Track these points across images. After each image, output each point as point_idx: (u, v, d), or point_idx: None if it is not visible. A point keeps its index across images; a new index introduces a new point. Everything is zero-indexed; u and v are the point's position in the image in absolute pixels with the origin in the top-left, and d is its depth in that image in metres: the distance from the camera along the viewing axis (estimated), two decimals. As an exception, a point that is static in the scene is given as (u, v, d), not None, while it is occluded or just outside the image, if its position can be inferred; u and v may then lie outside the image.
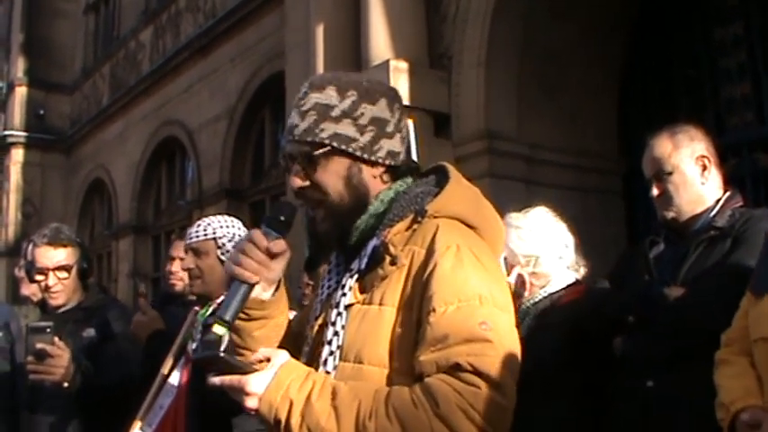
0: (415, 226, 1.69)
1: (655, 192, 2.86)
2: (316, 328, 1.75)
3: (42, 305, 3.59)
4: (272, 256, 1.69)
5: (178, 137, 13.13)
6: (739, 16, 7.06)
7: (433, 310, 1.56)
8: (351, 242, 1.74)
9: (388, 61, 6.82)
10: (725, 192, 2.86)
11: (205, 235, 3.17)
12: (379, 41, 7.03)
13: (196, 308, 3.22)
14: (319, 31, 7.51)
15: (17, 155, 16.95)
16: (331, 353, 1.66)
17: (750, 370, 2.29)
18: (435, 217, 1.69)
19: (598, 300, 2.95)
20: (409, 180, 1.81)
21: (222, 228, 3.20)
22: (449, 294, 1.57)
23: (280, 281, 1.78)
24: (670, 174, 2.82)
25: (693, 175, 2.82)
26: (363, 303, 1.67)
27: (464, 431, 1.47)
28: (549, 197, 7.04)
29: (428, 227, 1.67)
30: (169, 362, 3.01)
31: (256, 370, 1.55)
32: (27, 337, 3.17)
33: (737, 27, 7.05)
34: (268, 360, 1.58)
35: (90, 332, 3.46)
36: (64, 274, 3.48)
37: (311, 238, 1.80)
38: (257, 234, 1.69)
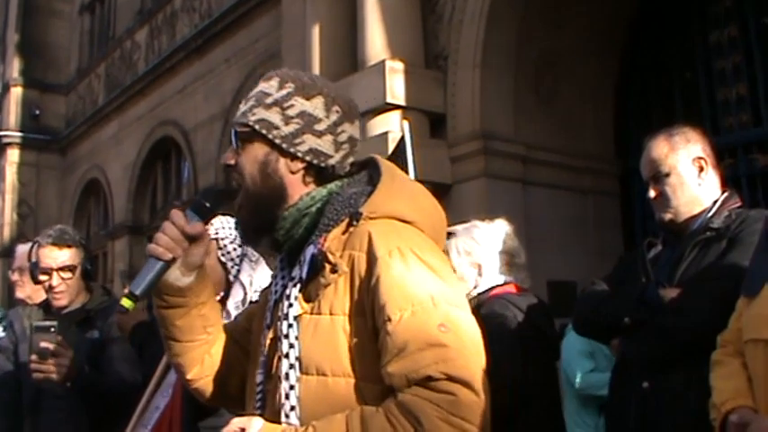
0: (351, 229, 1.66)
1: (652, 194, 2.85)
2: (268, 341, 1.73)
3: (46, 306, 3.59)
4: (190, 238, 1.72)
5: (174, 137, 13.13)
6: (735, 18, 7.08)
7: (389, 320, 1.53)
8: (280, 236, 1.75)
9: (383, 62, 6.81)
10: (723, 193, 2.86)
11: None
12: (375, 42, 7.02)
13: None
14: (315, 32, 7.51)
15: (12, 155, 16.94)
16: (291, 366, 1.62)
17: (742, 371, 2.29)
18: (371, 218, 1.66)
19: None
20: (343, 181, 1.79)
21: (224, 228, 3.19)
22: (401, 300, 1.54)
23: (201, 268, 1.79)
24: (667, 175, 2.81)
25: (690, 177, 2.81)
26: (312, 313, 1.64)
27: None
28: (544, 198, 7.11)
29: (363, 229, 1.64)
30: (164, 361, 3.00)
31: None
32: (31, 335, 3.18)
33: (733, 29, 7.07)
34: (243, 431, 1.56)
35: (93, 334, 3.47)
36: (68, 275, 3.48)
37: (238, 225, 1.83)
38: (176, 213, 1.73)
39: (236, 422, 1.57)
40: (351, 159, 1.81)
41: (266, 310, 1.79)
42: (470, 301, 3.07)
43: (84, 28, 17.70)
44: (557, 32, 7.15)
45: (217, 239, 3.14)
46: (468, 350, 1.53)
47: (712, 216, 2.76)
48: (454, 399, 1.47)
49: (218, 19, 11.71)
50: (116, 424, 3.07)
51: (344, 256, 1.63)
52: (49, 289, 3.47)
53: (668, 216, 2.83)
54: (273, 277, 1.84)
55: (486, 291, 3.13)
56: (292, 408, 1.60)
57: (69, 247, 3.51)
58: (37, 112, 17.15)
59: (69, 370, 3.12)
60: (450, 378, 1.47)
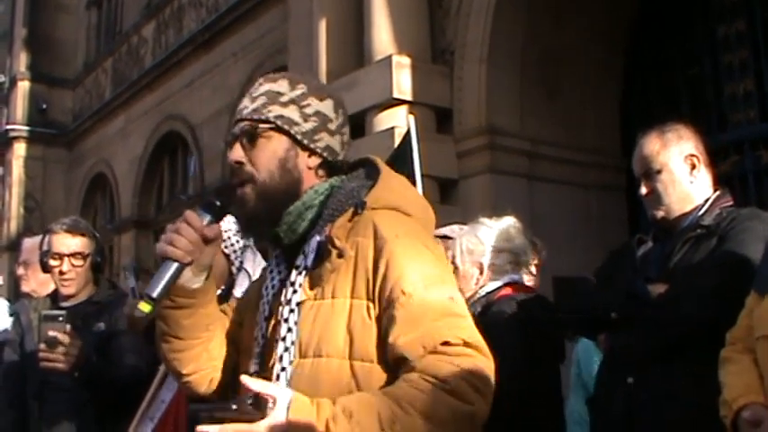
0: (355, 218, 1.73)
1: (643, 190, 2.85)
2: (270, 327, 1.76)
3: (53, 298, 3.61)
4: (206, 240, 1.72)
5: (180, 132, 13.15)
6: (742, 13, 7.06)
7: (403, 293, 1.61)
8: (282, 231, 1.78)
9: (390, 56, 6.82)
10: (715, 191, 2.85)
11: None
12: (382, 36, 7.02)
13: None
14: (322, 26, 7.51)
15: (19, 149, 16.97)
16: (286, 349, 1.68)
17: (753, 367, 2.29)
18: (373, 208, 1.74)
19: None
20: (342, 177, 1.86)
21: (226, 222, 3.20)
22: (414, 276, 1.63)
23: (210, 269, 1.80)
24: (659, 172, 2.80)
25: (682, 174, 2.80)
26: (315, 299, 1.70)
27: (472, 399, 1.54)
28: (550, 193, 7.10)
29: (367, 218, 1.72)
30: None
31: (263, 416, 1.52)
32: (40, 324, 3.20)
33: (740, 23, 7.05)
34: (274, 401, 1.54)
35: (100, 326, 3.48)
36: (79, 262, 3.51)
37: (238, 220, 1.85)
38: (193, 215, 1.71)
39: (269, 391, 1.54)
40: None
41: (263, 303, 1.82)
42: (478, 301, 3.09)
43: (92, 22, 17.71)
44: (562, 27, 7.14)
45: (222, 233, 3.15)
46: (472, 322, 1.66)
47: (703, 214, 2.76)
48: (472, 360, 1.57)
49: (226, 13, 11.72)
50: (122, 417, 3.09)
51: (349, 243, 1.70)
52: (59, 275, 3.50)
53: (660, 213, 2.82)
54: (269, 271, 1.87)
55: (494, 291, 3.13)
56: None
57: (83, 235, 3.55)
58: (44, 106, 17.17)
59: (77, 359, 3.14)
60: (466, 343, 1.58)
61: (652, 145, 2.84)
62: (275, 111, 1.79)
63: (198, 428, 1.52)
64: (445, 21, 7.24)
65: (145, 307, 1.65)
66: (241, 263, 3.13)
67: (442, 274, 1.70)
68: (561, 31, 7.15)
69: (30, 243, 4.27)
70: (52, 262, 3.52)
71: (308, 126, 1.80)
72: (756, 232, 2.59)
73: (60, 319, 3.16)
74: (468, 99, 6.91)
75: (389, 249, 1.65)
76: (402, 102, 6.73)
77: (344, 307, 1.66)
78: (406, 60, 6.85)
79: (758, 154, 6.74)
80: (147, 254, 14.21)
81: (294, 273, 1.74)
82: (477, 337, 1.61)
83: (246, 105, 1.83)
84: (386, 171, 1.85)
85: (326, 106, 1.84)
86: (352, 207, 1.74)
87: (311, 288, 1.71)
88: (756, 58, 6.91)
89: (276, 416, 1.51)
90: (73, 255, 3.50)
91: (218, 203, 1.76)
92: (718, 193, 2.84)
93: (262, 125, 1.78)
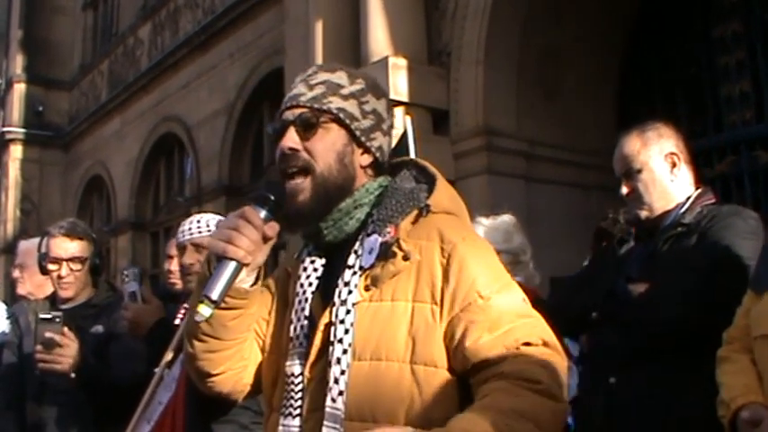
0: (418, 221, 1.70)
1: (624, 190, 2.83)
2: (321, 327, 1.69)
3: (52, 300, 3.60)
4: (266, 238, 1.63)
5: (177, 133, 13.13)
6: (739, 14, 7.06)
7: (480, 297, 1.60)
8: (326, 227, 1.73)
9: (387, 58, 6.82)
10: (696, 189, 2.84)
11: (208, 230, 3.17)
12: (379, 38, 7.03)
13: (186, 305, 3.24)
14: (318, 28, 7.51)
15: (15, 151, 16.94)
16: (344, 351, 1.63)
17: (751, 367, 2.29)
18: (434, 212, 1.71)
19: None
20: (388, 177, 1.82)
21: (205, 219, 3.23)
22: (489, 279, 1.63)
23: (260, 269, 1.71)
24: (639, 171, 2.80)
25: (662, 173, 2.79)
26: (372, 300, 1.65)
27: (561, 396, 1.54)
28: (548, 194, 7.10)
29: (428, 222, 1.69)
30: (168, 356, 3.01)
31: None
32: (36, 326, 3.20)
33: (737, 24, 7.05)
34: None
35: (98, 329, 3.48)
36: (77, 266, 3.52)
37: (285, 210, 1.70)
38: (253, 212, 1.61)
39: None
40: None
41: (299, 301, 1.75)
42: None
43: (88, 24, 17.70)
44: (559, 28, 7.14)
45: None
46: (545, 323, 1.65)
47: (685, 212, 2.75)
48: (553, 358, 1.57)
49: (222, 15, 11.70)
50: (120, 419, 3.08)
51: (413, 246, 1.66)
52: (57, 279, 3.49)
53: (643, 213, 2.81)
54: (302, 269, 1.79)
55: None
56: (341, 392, 1.60)
57: (81, 239, 3.55)
58: (40, 108, 17.15)
59: (74, 360, 3.14)
60: (546, 343, 1.58)
61: (632, 144, 2.84)
62: (336, 102, 1.74)
63: None
64: (442, 22, 7.24)
65: (205, 309, 1.55)
66: None
67: (509, 278, 1.70)
68: (557, 32, 7.16)
69: (26, 246, 4.26)
70: (51, 266, 3.51)
71: (366, 123, 1.77)
72: (737, 228, 2.59)
73: (57, 320, 3.15)
74: (465, 100, 6.91)
75: (460, 253, 1.64)
76: (398, 103, 6.72)
77: (406, 310, 1.63)
78: (403, 62, 6.85)
79: (754, 154, 6.74)
80: (143, 255, 14.21)
81: (348, 272, 1.68)
82: (553, 337, 1.61)
83: (303, 92, 1.76)
84: (439, 176, 1.81)
85: (382, 105, 1.81)
86: (415, 209, 1.71)
87: (366, 289, 1.66)
88: (753, 59, 6.91)
89: None
90: (71, 259, 3.50)
91: (272, 197, 1.64)
92: (699, 191, 2.83)
93: (324, 116, 1.73)
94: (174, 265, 4.22)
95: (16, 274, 4.31)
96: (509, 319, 1.58)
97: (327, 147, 1.72)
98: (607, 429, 2.67)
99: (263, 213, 1.62)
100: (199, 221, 3.22)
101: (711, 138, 6.71)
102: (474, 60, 6.86)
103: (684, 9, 7.35)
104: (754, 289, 2.34)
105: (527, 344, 1.56)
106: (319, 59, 7.40)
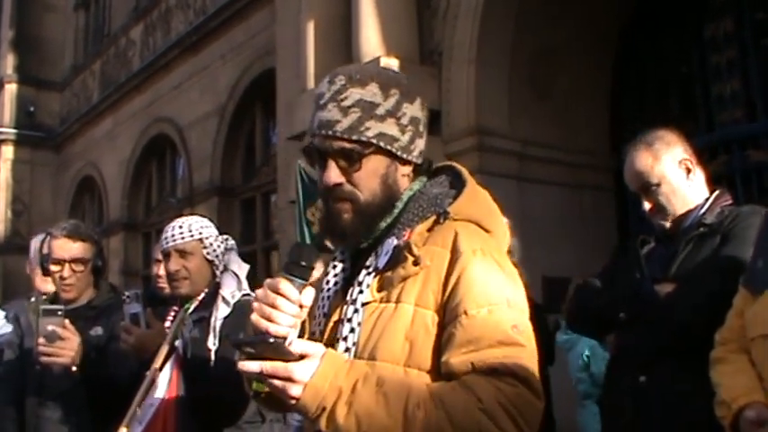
0: (436, 227, 1.70)
1: (647, 206, 2.85)
2: (330, 324, 1.73)
3: (53, 300, 3.59)
4: (302, 307, 1.61)
5: (168, 134, 13.11)
6: (730, 13, 7.08)
7: (465, 313, 1.58)
8: (369, 240, 1.74)
9: (378, 58, 6.80)
10: (714, 190, 2.87)
11: (191, 236, 3.16)
12: (370, 38, 7.01)
13: (175, 308, 3.23)
14: (310, 28, 7.50)
15: (7, 152, 16.91)
16: (347, 349, 1.65)
17: (750, 367, 2.28)
18: (455, 219, 1.70)
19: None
20: (424, 179, 1.82)
21: (206, 228, 3.22)
22: (480, 297, 1.60)
23: (301, 324, 1.69)
24: (658, 185, 2.82)
25: (680, 181, 2.83)
26: (381, 302, 1.67)
27: (504, 426, 1.50)
28: (540, 194, 7.10)
29: (447, 228, 1.69)
30: (159, 359, 3.00)
31: (299, 359, 1.52)
32: (39, 319, 3.20)
33: (728, 23, 7.06)
34: (303, 356, 1.54)
35: (98, 330, 3.48)
36: (80, 267, 3.51)
37: (324, 231, 1.76)
38: (289, 287, 1.59)
39: (300, 346, 1.53)
40: None
41: (322, 299, 1.79)
42: None
43: (79, 24, 17.67)
44: (551, 28, 7.14)
45: (201, 239, 3.17)
46: (532, 356, 1.60)
47: (705, 213, 2.78)
48: (517, 392, 1.52)
49: (213, 15, 11.69)
50: (116, 420, 3.07)
51: (425, 251, 1.66)
52: (60, 280, 3.49)
53: (668, 223, 2.84)
54: (332, 266, 1.82)
55: None
56: None
57: (83, 240, 3.54)
58: (31, 108, 17.13)
59: (76, 354, 3.15)
60: (515, 376, 1.53)
61: (644, 159, 2.84)
62: (374, 128, 1.70)
63: (239, 364, 1.53)
64: (433, 22, 7.23)
65: (260, 387, 1.65)
66: (225, 265, 3.18)
67: (511, 299, 1.63)
68: (550, 31, 7.15)
69: (37, 243, 4.24)
70: (53, 267, 3.51)
71: (406, 138, 1.76)
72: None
73: (59, 313, 3.17)
74: (457, 100, 6.90)
75: (462, 265, 1.62)
76: (391, 103, 6.71)
77: (407, 314, 1.63)
78: (395, 62, 6.83)
79: (746, 153, 6.75)
80: (135, 256, 14.19)
81: (363, 273, 1.71)
82: (529, 372, 1.56)
83: (338, 119, 1.70)
84: (471, 182, 1.80)
85: (417, 108, 1.79)
86: (434, 215, 1.71)
87: (378, 290, 1.68)
88: (744, 58, 6.92)
89: (310, 360, 1.52)
90: (73, 260, 3.50)
91: (303, 264, 1.62)
92: (717, 192, 2.87)
93: (363, 148, 1.70)
94: (161, 270, 4.19)
95: (30, 270, 4.29)
96: (488, 343, 1.55)
97: (370, 175, 1.72)
98: (635, 428, 2.67)
99: (297, 283, 1.61)
100: (181, 226, 3.20)
101: (703, 137, 6.71)
102: (466, 60, 6.85)
103: (676, 9, 7.36)
104: (749, 289, 2.34)
105: (494, 370, 1.52)
106: (311, 60, 7.39)
